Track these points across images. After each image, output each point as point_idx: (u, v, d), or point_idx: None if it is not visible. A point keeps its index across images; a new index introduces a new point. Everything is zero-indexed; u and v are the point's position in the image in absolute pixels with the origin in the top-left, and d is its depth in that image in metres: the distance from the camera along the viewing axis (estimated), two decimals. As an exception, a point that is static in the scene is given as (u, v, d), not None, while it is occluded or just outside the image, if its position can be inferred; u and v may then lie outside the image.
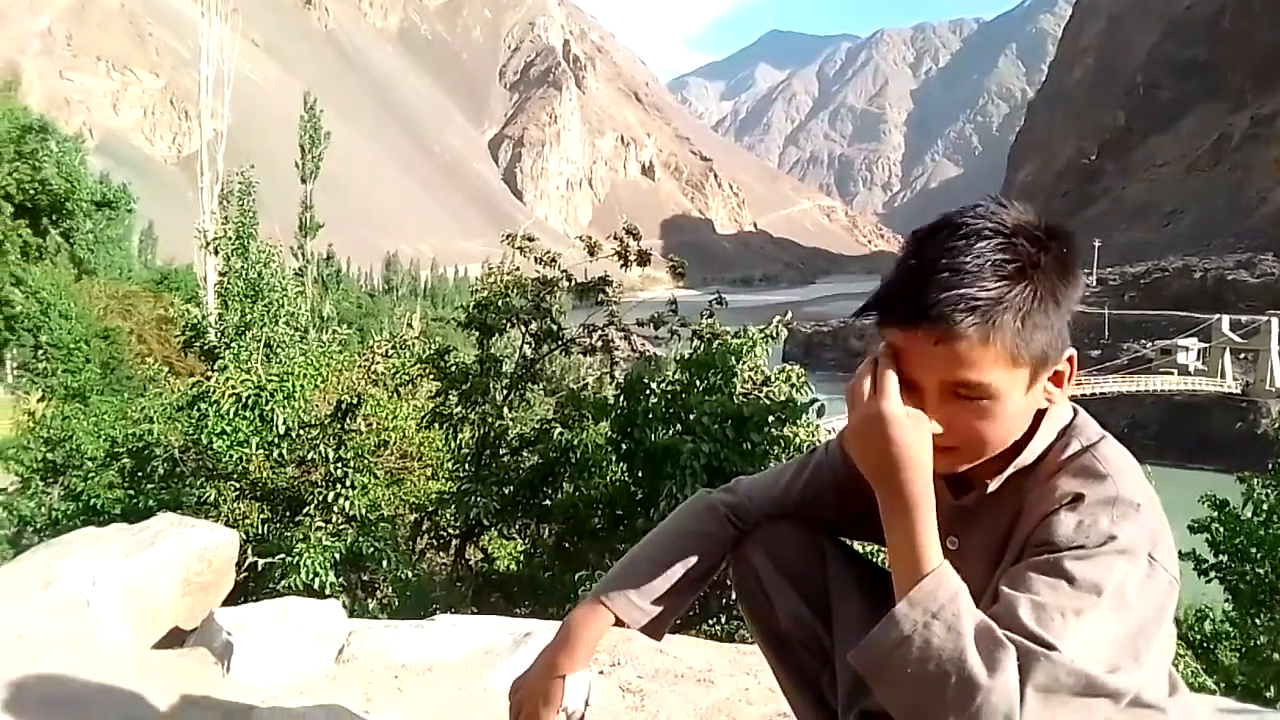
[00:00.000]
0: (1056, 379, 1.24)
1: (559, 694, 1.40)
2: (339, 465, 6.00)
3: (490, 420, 6.57)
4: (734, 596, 1.85)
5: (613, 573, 1.50)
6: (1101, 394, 66.29)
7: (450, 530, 6.90)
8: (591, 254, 7.24)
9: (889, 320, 1.19)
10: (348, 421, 6.33)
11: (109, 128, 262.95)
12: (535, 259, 7.15)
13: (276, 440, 6.25)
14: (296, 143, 28.77)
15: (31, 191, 31.68)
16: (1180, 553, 1.38)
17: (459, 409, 6.59)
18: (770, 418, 5.59)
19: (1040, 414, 1.25)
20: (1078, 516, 1.15)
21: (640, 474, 5.65)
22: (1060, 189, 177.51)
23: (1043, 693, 1.04)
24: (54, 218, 33.78)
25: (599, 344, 7.04)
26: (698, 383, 5.83)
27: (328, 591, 5.09)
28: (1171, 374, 77.25)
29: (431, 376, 7.11)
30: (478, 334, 6.87)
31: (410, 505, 7.00)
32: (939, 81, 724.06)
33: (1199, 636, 7.85)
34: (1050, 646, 1.05)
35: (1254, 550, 7.61)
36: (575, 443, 6.26)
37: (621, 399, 5.99)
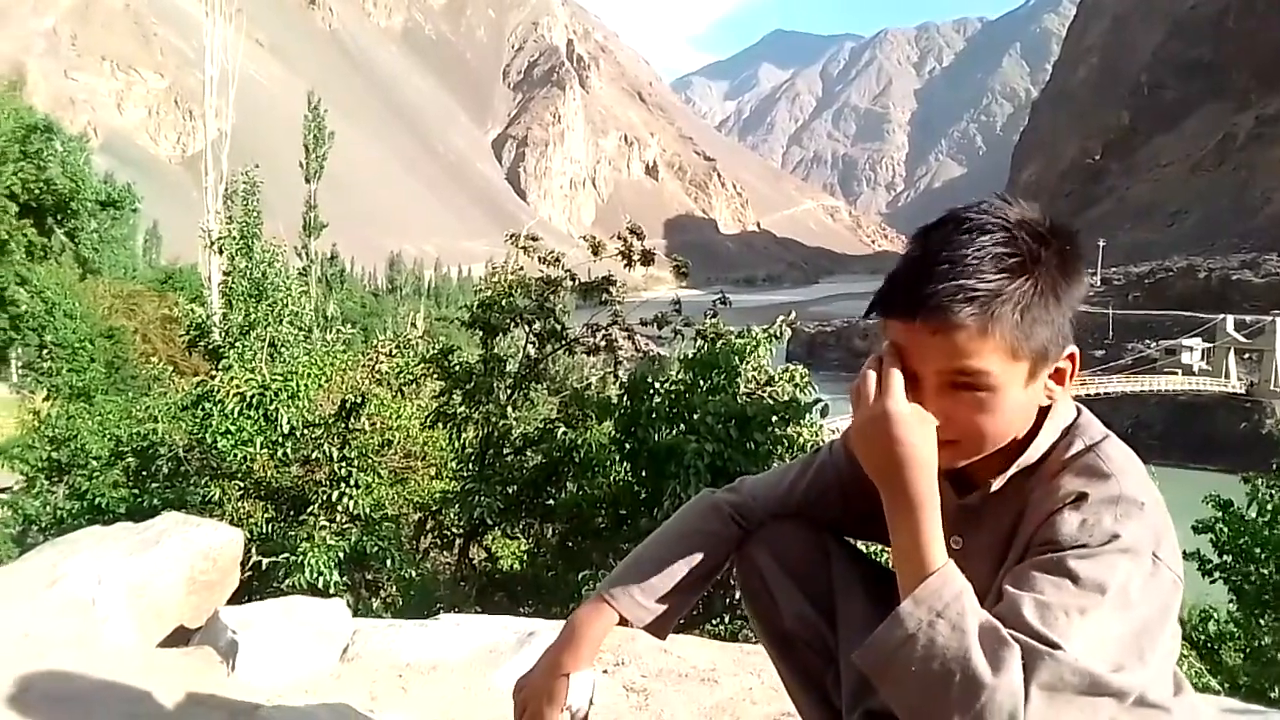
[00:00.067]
0: (1058, 377, 1.24)
1: (563, 692, 1.40)
2: (343, 464, 6.01)
3: (494, 420, 6.57)
4: (738, 596, 1.85)
5: (617, 572, 1.50)
6: (1106, 394, 66.22)
7: (454, 529, 6.91)
8: (595, 254, 7.24)
9: (890, 313, 1.20)
10: (352, 421, 6.34)
11: (113, 127, 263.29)
12: (539, 259, 7.15)
13: (281, 439, 6.26)
14: (301, 142, 28.74)
15: (36, 191, 31.69)
16: (1184, 553, 1.38)
17: (463, 408, 6.60)
18: (774, 417, 5.58)
19: (1043, 413, 1.25)
20: (1081, 515, 1.15)
21: (644, 474, 5.65)
22: (1064, 189, 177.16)
23: (1047, 691, 1.04)
24: (59, 217, 33.79)
25: (603, 344, 7.04)
26: (701, 382, 5.82)
27: (332, 591, 5.09)
28: (1176, 374, 77.14)
29: (435, 376, 7.11)
30: (481, 333, 6.87)
31: (414, 504, 7.00)
32: (943, 81, 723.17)
33: (1203, 637, 7.84)
34: (1055, 645, 1.05)
35: (1259, 551, 7.60)
36: (579, 442, 6.26)
37: (625, 399, 5.99)
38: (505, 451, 6.77)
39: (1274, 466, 8.50)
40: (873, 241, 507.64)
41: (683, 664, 2.69)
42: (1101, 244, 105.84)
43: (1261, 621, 7.46)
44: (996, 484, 1.27)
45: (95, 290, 34.18)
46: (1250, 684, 6.89)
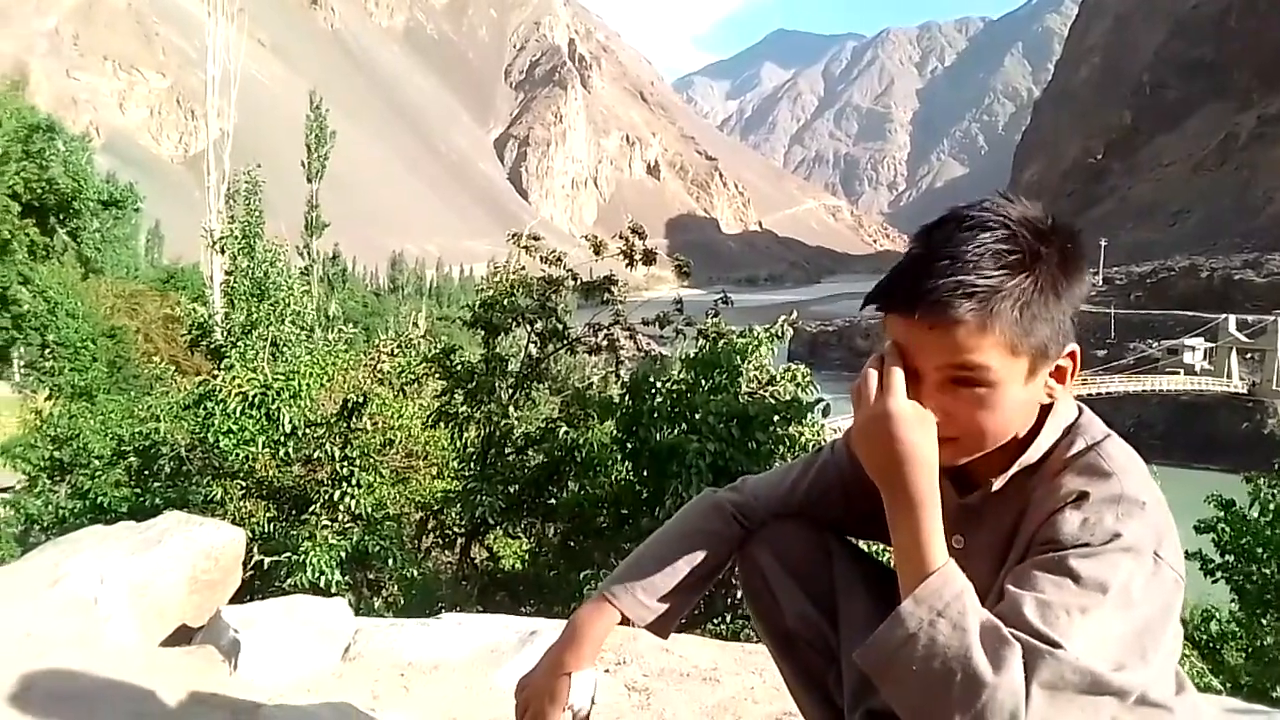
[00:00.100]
0: (1059, 375, 1.24)
1: (565, 692, 1.40)
2: (345, 464, 6.02)
3: (496, 419, 6.58)
4: (740, 595, 1.85)
5: (619, 571, 1.50)
6: (1108, 394, 66.19)
7: (456, 529, 6.91)
8: (597, 253, 7.24)
9: (890, 308, 1.20)
10: (354, 420, 6.35)
11: (115, 127, 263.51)
12: (541, 258, 7.16)
13: (283, 439, 6.26)
14: (302, 142, 28.76)
15: (39, 190, 31.71)
16: (1186, 553, 1.37)
17: (464, 408, 6.61)
18: (775, 417, 5.58)
19: (1044, 412, 1.25)
20: (1083, 514, 1.15)
21: (645, 473, 5.65)
22: (1066, 188, 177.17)
23: (1048, 690, 1.03)
24: (61, 217, 33.81)
25: (604, 343, 7.05)
26: (703, 382, 5.82)
27: (334, 590, 5.09)
28: (1178, 374, 77.09)
29: (437, 375, 7.12)
30: (483, 333, 6.88)
31: (416, 504, 7.01)
32: (945, 81, 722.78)
33: (1205, 637, 7.84)
34: (1055, 644, 1.04)
35: (1260, 550, 7.59)
36: (580, 442, 6.27)
37: (627, 398, 5.99)
38: (507, 451, 6.78)
39: (1276, 466, 8.48)
40: (875, 241, 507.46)
41: (684, 663, 2.69)
42: (1103, 243, 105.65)
43: (1264, 621, 7.46)
44: (998, 483, 1.27)
45: (97, 290, 34.23)
46: (1252, 684, 6.89)
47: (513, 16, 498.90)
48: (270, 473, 6.30)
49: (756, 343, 6.21)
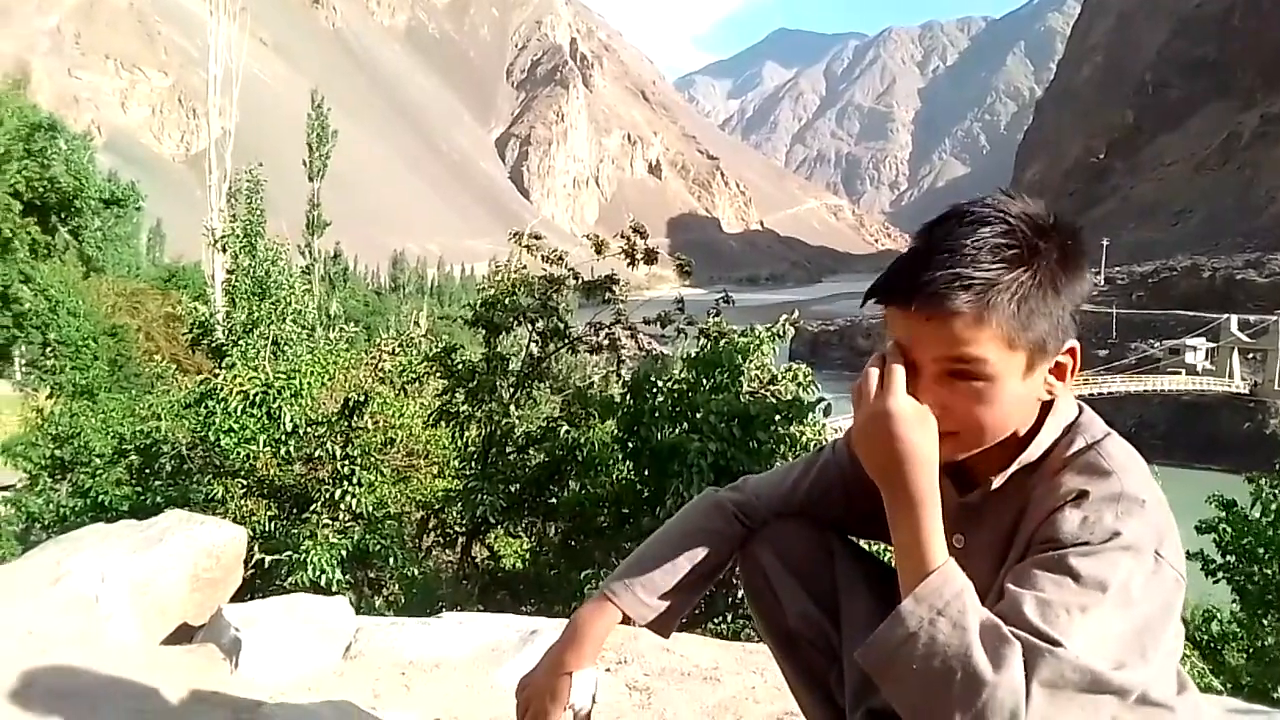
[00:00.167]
0: (1059, 372, 1.24)
1: (566, 691, 1.40)
2: (346, 463, 6.02)
3: (497, 418, 6.58)
4: (741, 594, 1.85)
5: (620, 570, 1.50)
6: (1109, 393, 66.13)
7: (457, 528, 6.91)
8: (598, 252, 7.24)
9: (889, 300, 1.20)
10: (355, 419, 6.34)
11: (117, 126, 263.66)
12: (542, 257, 7.16)
13: (284, 438, 6.26)
14: (304, 141, 28.82)
15: (40, 189, 31.79)
16: (1187, 553, 1.37)
17: (466, 407, 6.61)
18: (777, 416, 5.58)
19: (1045, 411, 1.25)
20: (1082, 513, 1.15)
21: (647, 472, 5.65)
22: (1068, 188, 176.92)
23: (1048, 689, 1.03)
24: (62, 215, 33.89)
25: (605, 342, 7.05)
26: (704, 381, 5.82)
27: (335, 589, 5.09)
28: (1179, 374, 77.05)
29: (438, 374, 7.12)
30: (484, 332, 6.88)
31: (417, 503, 7.00)
32: (947, 80, 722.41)
33: (1206, 637, 7.84)
34: (1056, 643, 1.04)
35: (1262, 551, 7.59)
36: (582, 441, 6.27)
37: (628, 397, 5.99)
38: (508, 450, 6.78)
39: (1277, 467, 8.48)
40: (876, 241, 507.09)
41: (685, 662, 2.69)
42: (1105, 243, 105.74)
43: (1265, 622, 7.46)
44: (998, 482, 1.27)
45: (99, 288, 34.25)
46: (1253, 684, 6.89)
47: (514, 16, 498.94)
48: (271, 471, 6.30)
49: (758, 342, 6.21)
